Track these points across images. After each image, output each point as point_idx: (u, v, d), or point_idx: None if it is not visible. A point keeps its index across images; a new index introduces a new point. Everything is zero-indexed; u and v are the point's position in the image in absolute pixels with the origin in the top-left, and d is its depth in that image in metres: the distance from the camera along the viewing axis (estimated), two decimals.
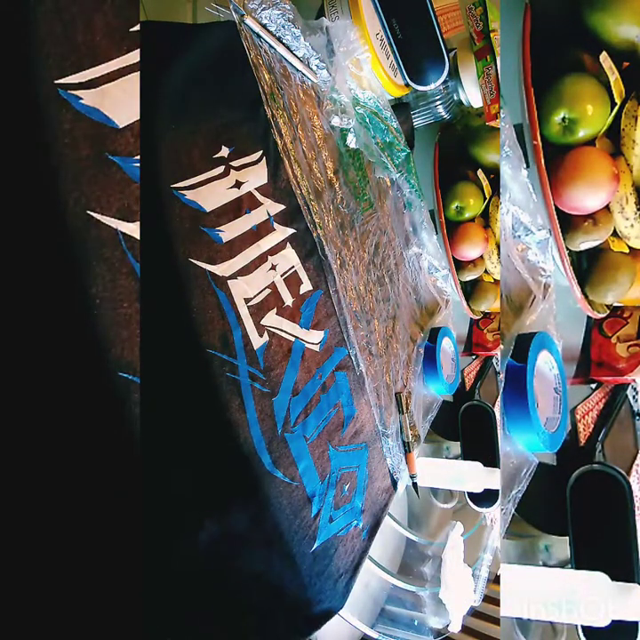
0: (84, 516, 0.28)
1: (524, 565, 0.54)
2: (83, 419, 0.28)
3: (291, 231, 0.49)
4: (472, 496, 0.82)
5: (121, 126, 0.30)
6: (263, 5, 0.47)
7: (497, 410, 0.82)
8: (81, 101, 0.28)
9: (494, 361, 0.96)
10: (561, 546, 0.67)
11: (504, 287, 0.69)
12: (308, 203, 0.52)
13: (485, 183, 0.86)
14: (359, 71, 0.64)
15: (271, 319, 0.44)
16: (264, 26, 0.48)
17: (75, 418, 0.28)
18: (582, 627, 0.53)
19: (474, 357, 0.99)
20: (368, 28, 0.64)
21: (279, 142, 0.49)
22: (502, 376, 0.63)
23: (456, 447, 0.92)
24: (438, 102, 0.83)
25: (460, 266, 0.93)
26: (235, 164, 0.43)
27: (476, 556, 0.93)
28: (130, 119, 0.31)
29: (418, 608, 0.85)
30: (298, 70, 0.54)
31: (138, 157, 0.31)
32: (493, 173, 0.85)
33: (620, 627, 0.49)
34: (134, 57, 0.30)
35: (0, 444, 0.26)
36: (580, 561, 0.57)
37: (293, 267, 0.49)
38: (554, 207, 0.60)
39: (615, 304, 0.73)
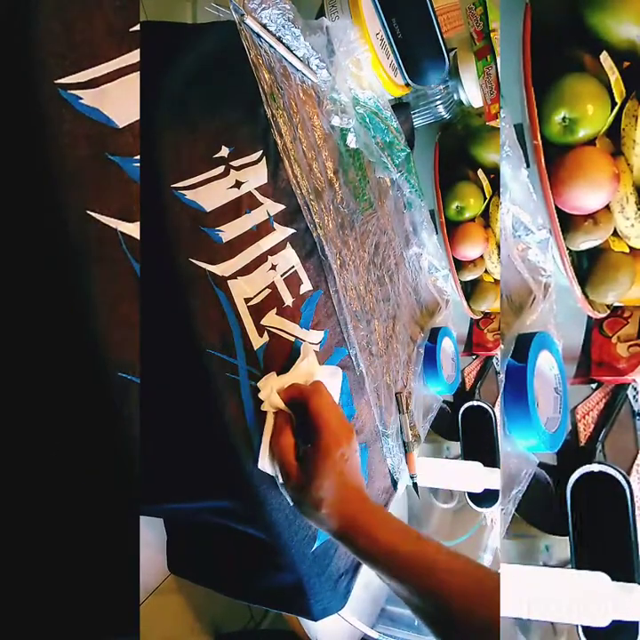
0: (82, 515, 0.28)
1: (524, 565, 0.54)
2: (82, 418, 0.28)
3: (291, 231, 0.49)
4: (472, 496, 0.82)
5: (121, 126, 0.30)
6: (263, 5, 0.47)
7: (497, 410, 0.82)
8: (81, 101, 0.28)
9: (494, 361, 0.96)
10: (561, 546, 0.67)
11: (504, 287, 0.69)
12: (308, 203, 0.52)
13: (485, 183, 0.85)
14: (359, 71, 0.64)
15: (271, 319, 0.44)
16: (264, 25, 0.48)
17: (75, 417, 0.28)
18: (582, 627, 0.53)
19: (474, 357, 0.99)
20: (368, 28, 0.64)
21: (279, 142, 0.49)
22: (502, 376, 0.63)
23: (456, 447, 0.92)
24: (438, 102, 0.83)
25: (460, 266, 0.93)
26: (235, 163, 0.43)
27: (476, 555, 0.93)
28: (130, 119, 0.31)
29: None
30: (298, 70, 0.54)
31: (138, 157, 0.31)
32: (493, 173, 0.85)
33: (620, 627, 0.49)
34: (134, 57, 0.30)
35: (0, 443, 0.26)
36: (580, 561, 0.57)
37: (293, 267, 0.49)
38: (554, 207, 0.60)
39: (615, 304, 0.73)
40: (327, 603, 0.49)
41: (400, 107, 0.82)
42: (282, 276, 0.47)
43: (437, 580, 0.33)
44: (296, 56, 0.53)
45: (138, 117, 0.31)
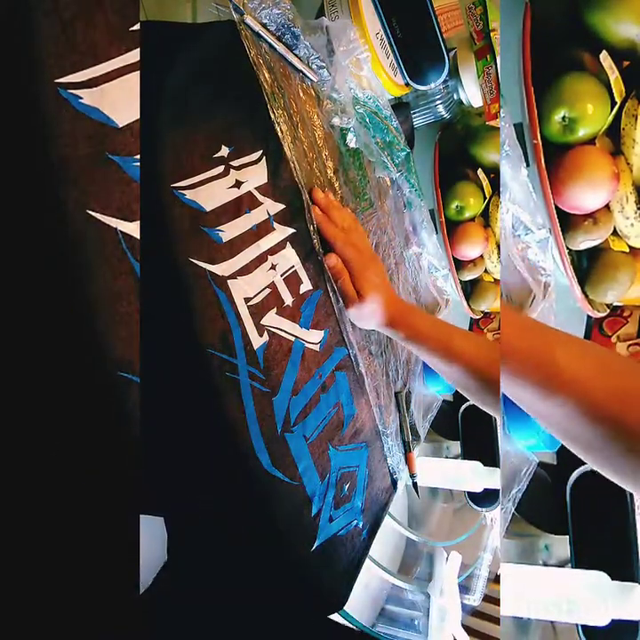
0: (82, 516, 0.28)
1: (524, 565, 0.54)
2: (82, 418, 0.28)
3: (291, 231, 0.49)
4: (472, 496, 0.82)
5: (121, 126, 0.30)
6: (263, 5, 0.47)
7: None
8: (81, 101, 0.28)
9: None
10: (561, 545, 0.67)
11: (504, 287, 0.69)
12: (308, 202, 0.52)
13: (485, 182, 0.86)
14: (359, 71, 0.64)
15: (271, 319, 0.44)
16: (264, 25, 0.48)
17: (74, 417, 0.28)
18: (582, 626, 0.53)
19: None
20: (368, 28, 0.64)
21: (279, 142, 0.49)
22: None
23: (456, 447, 0.92)
24: (438, 102, 0.83)
25: (460, 265, 0.93)
26: (235, 163, 0.43)
27: (476, 555, 0.93)
28: (130, 119, 0.31)
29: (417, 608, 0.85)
30: (298, 70, 0.54)
31: (138, 157, 0.31)
32: (493, 173, 0.85)
33: (620, 626, 0.49)
34: (134, 56, 0.30)
35: None
36: (580, 560, 0.57)
37: (293, 266, 0.49)
38: (554, 206, 0.60)
39: (615, 303, 0.73)
40: (327, 602, 0.49)
41: (400, 106, 0.82)
42: (282, 275, 0.47)
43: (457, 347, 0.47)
44: (296, 56, 0.53)
45: (138, 117, 0.31)
